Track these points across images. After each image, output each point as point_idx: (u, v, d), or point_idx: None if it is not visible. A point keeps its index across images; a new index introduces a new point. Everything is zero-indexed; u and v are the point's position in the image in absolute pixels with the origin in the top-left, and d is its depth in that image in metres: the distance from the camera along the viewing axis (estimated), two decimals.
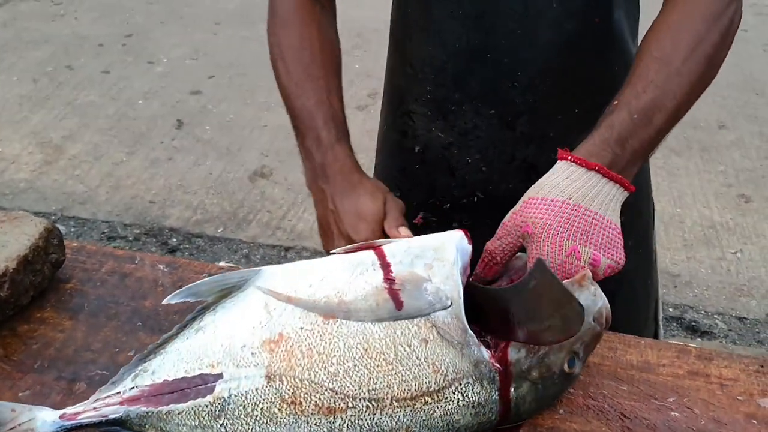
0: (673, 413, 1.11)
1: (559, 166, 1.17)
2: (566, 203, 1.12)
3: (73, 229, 3.67)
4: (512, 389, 1.03)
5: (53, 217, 3.72)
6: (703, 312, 3.39)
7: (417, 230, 1.29)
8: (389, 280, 1.03)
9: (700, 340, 3.23)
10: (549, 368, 1.04)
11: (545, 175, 1.18)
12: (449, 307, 1.02)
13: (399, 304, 1.01)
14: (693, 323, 3.31)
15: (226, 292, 1.06)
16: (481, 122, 1.41)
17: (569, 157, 1.15)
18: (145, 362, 1.03)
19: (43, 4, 5.96)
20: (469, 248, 1.10)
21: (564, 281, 1.05)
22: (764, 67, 5.31)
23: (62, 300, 1.26)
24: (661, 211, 3.90)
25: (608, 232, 1.14)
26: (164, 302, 1.08)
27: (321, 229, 1.32)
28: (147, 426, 0.99)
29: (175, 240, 3.65)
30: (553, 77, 1.37)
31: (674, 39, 1.23)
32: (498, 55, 1.36)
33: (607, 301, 1.07)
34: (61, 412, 1.00)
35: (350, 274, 1.04)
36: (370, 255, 1.07)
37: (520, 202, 1.17)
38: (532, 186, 1.18)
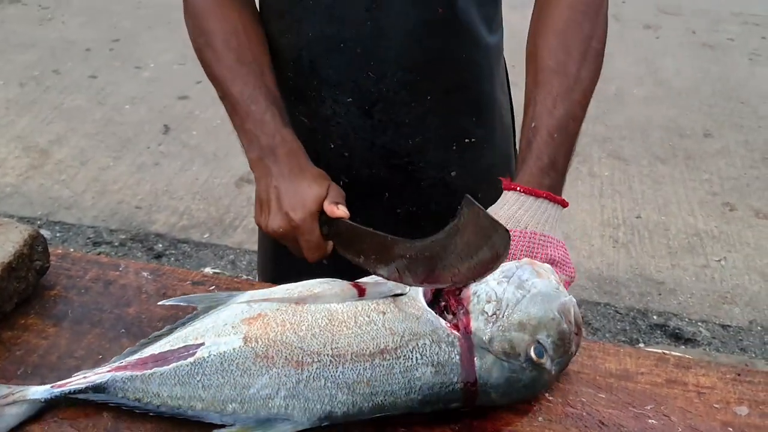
0: (650, 421, 1.12)
1: (510, 196, 1.25)
2: (524, 232, 1.22)
3: (58, 234, 3.66)
4: (475, 358, 1.07)
5: (38, 222, 3.71)
6: (687, 319, 3.41)
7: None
8: (355, 283, 1.17)
9: (683, 347, 3.25)
10: (512, 345, 1.07)
11: (497, 206, 1.25)
12: (408, 291, 1.13)
13: (362, 292, 1.14)
14: (677, 331, 3.33)
15: (215, 305, 1.18)
16: (339, 109, 1.45)
17: (518, 188, 1.24)
18: (135, 353, 1.13)
19: (31, 8, 5.95)
20: None
21: (515, 261, 1.14)
22: (749, 76, 5.35)
23: (46, 307, 1.26)
24: (646, 218, 3.93)
25: (560, 250, 1.24)
26: (159, 304, 1.20)
27: (258, 204, 1.35)
28: (129, 390, 1.08)
29: (161, 245, 3.65)
30: (404, 65, 1.40)
31: (565, 45, 1.31)
32: (351, 45, 1.39)
33: (575, 304, 1.12)
34: (52, 384, 1.09)
35: (322, 286, 1.17)
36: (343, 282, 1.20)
37: None
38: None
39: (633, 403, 1.15)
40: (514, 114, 1.64)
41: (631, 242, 3.79)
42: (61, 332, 1.22)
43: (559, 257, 1.22)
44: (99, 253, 3.41)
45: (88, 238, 3.68)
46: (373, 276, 1.17)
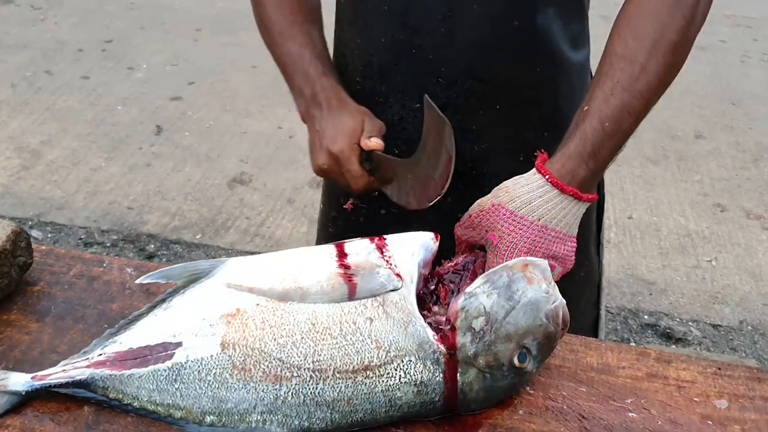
0: (630, 414, 1.13)
1: (536, 180, 1.21)
2: (535, 224, 1.18)
3: (50, 235, 3.66)
4: (458, 374, 1.06)
5: (30, 223, 3.71)
6: (678, 319, 3.41)
7: (347, 215, 1.40)
8: (344, 266, 1.09)
9: (674, 347, 3.26)
10: (497, 358, 1.07)
11: (519, 183, 1.22)
12: (399, 288, 1.08)
13: (352, 287, 1.07)
14: (668, 330, 3.34)
15: (195, 278, 1.14)
16: (407, 115, 1.45)
17: (547, 176, 1.19)
18: (115, 335, 1.11)
19: (23, 9, 5.94)
20: (433, 246, 1.15)
21: (505, 264, 1.11)
22: (741, 77, 5.36)
23: (29, 302, 1.27)
24: (637, 219, 3.94)
25: (567, 245, 1.21)
26: (137, 281, 1.18)
27: (310, 149, 1.40)
28: (110, 389, 1.07)
29: (152, 246, 3.65)
30: (475, 75, 1.40)
31: (635, 32, 1.24)
32: (422, 52, 1.40)
33: (564, 304, 1.10)
34: (33, 374, 1.08)
35: (308, 262, 1.11)
36: (330, 247, 1.13)
37: (488, 199, 1.22)
38: (505, 189, 1.22)
39: (613, 396, 1.16)
40: None
41: (622, 242, 3.80)
42: (44, 328, 1.22)
43: (562, 253, 1.21)
44: (82, 251, 3.41)
45: (80, 238, 3.68)
46: (362, 244, 1.14)
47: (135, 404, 1.07)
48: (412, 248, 1.13)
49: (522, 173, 1.30)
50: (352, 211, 1.55)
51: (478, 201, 1.24)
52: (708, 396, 1.17)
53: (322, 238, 1.72)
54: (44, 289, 1.29)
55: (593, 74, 1.46)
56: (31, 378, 1.08)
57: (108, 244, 3.65)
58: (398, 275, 1.09)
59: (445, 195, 1.45)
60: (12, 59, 5.20)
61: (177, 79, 5.05)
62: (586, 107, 1.22)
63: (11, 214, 3.69)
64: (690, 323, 3.39)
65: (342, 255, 1.11)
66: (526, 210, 1.19)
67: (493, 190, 1.24)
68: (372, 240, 1.14)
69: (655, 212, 4.01)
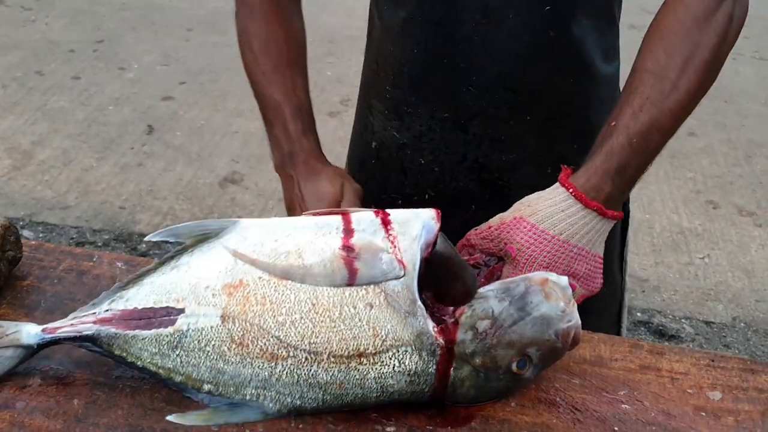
0: (623, 406, 1.12)
1: (559, 194, 1.20)
2: (556, 239, 1.17)
3: (41, 235, 3.65)
4: (452, 369, 1.06)
5: (21, 223, 3.70)
6: (670, 316, 3.41)
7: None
8: (347, 247, 1.07)
9: (667, 344, 3.26)
10: (495, 361, 1.06)
11: (542, 198, 1.21)
12: (402, 277, 1.05)
13: (353, 272, 1.05)
14: (661, 327, 3.34)
15: (204, 238, 1.12)
16: (435, 125, 1.43)
17: (570, 190, 1.18)
18: (123, 290, 1.12)
19: (13, 9, 5.92)
20: (435, 227, 1.10)
21: (526, 276, 1.09)
22: (733, 75, 5.37)
23: (18, 297, 1.26)
24: (630, 216, 3.93)
25: (590, 264, 1.20)
26: (146, 239, 1.17)
27: (288, 211, 1.40)
28: (114, 347, 1.09)
29: (144, 246, 3.64)
30: (507, 85, 1.38)
31: (668, 49, 1.22)
32: (455, 62, 1.38)
33: (579, 326, 1.09)
34: (43, 326, 1.10)
35: (314, 234, 1.09)
36: (336, 219, 1.11)
37: (510, 213, 1.21)
38: (527, 203, 1.21)
39: (606, 388, 1.15)
40: None
41: None
42: (33, 321, 1.20)
43: (584, 272, 1.19)
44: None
45: (71, 238, 3.66)
46: (367, 216, 1.11)
47: (138, 363, 1.08)
48: (415, 230, 1.09)
49: (549, 186, 1.28)
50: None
51: (500, 215, 1.24)
52: (701, 387, 1.17)
53: None
54: (33, 283, 1.29)
55: (621, 88, 1.45)
56: (42, 330, 1.10)
57: (100, 244, 3.63)
58: (401, 262, 1.06)
59: (470, 203, 1.46)
60: (2, 60, 5.18)
61: (168, 79, 5.04)
62: (613, 122, 1.20)
63: (2, 214, 3.67)
64: (683, 320, 3.40)
65: (348, 232, 1.09)
66: (547, 224, 1.18)
67: (514, 205, 1.23)
68: (377, 214, 1.11)
69: (647, 209, 4.01)
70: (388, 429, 1.07)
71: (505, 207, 1.41)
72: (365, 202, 1.47)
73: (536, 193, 1.23)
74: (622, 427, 1.09)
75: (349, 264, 1.06)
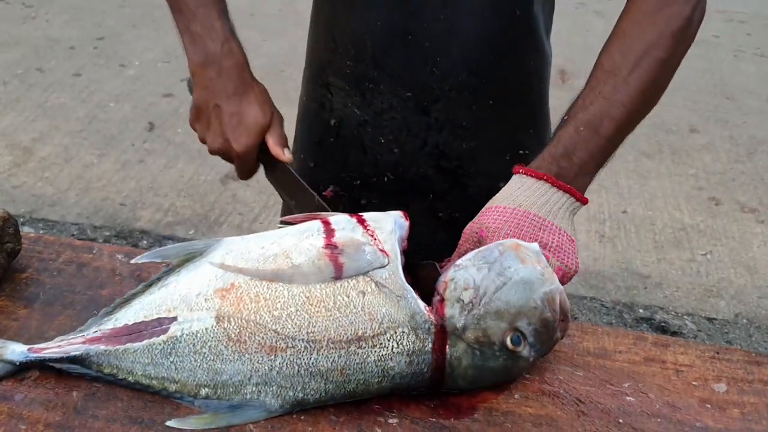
0: (627, 398, 1.12)
1: (513, 179, 1.23)
2: (516, 210, 1.18)
3: (42, 231, 3.63)
4: (447, 346, 1.06)
5: (22, 219, 3.68)
6: (673, 313, 3.40)
7: (327, 203, 1.37)
8: (331, 245, 1.09)
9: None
10: (487, 334, 1.06)
11: (502, 189, 1.23)
12: (387, 265, 1.08)
13: (339, 267, 1.07)
14: (663, 324, 3.33)
15: (190, 257, 1.14)
16: (397, 103, 1.42)
17: (521, 171, 1.22)
18: (111, 313, 1.13)
19: (14, 7, 5.91)
20: (406, 224, 1.15)
21: (498, 242, 1.11)
22: (735, 72, 5.36)
23: (17, 289, 1.25)
24: (632, 213, 3.93)
25: (558, 237, 1.19)
26: (133, 261, 1.20)
27: (196, 114, 1.34)
28: (104, 365, 1.08)
29: (145, 242, 3.63)
30: (471, 66, 1.38)
31: (623, 49, 1.25)
32: (419, 39, 1.37)
33: (562, 290, 1.09)
34: (29, 346, 1.10)
35: (297, 238, 1.12)
36: (316, 223, 1.14)
37: (478, 214, 1.22)
38: (491, 199, 1.23)
39: (610, 380, 1.15)
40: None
41: (617, 237, 3.79)
42: (32, 314, 1.20)
43: (554, 244, 1.18)
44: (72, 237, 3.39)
45: (72, 234, 3.65)
46: (344, 218, 1.15)
47: (129, 379, 1.07)
48: (389, 225, 1.13)
49: (508, 174, 1.31)
50: (331, 200, 1.52)
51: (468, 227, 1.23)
52: (706, 380, 1.16)
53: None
54: (33, 275, 1.28)
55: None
56: (27, 349, 1.09)
57: (100, 240, 3.62)
58: (383, 251, 1.09)
59: (428, 192, 1.47)
60: (3, 57, 5.17)
61: (169, 76, 5.02)
62: (565, 117, 1.24)
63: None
64: (685, 317, 3.39)
65: (329, 232, 1.12)
66: (507, 201, 1.19)
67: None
68: (351, 216, 1.15)
69: (649, 206, 4.00)
70: (390, 420, 1.06)
71: (462, 197, 1.46)
72: (322, 183, 1.51)
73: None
74: (626, 419, 1.08)
75: (335, 259, 1.08)
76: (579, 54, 5.18)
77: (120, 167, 4.15)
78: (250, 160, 1.32)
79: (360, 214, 1.15)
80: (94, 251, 1.33)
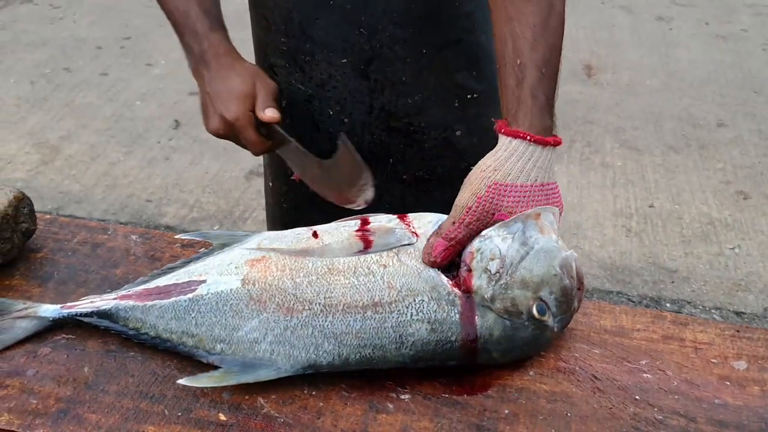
0: (645, 375, 1.10)
1: (516, 145, 1.15)
2: (534, 186, 1.14)
3: None
4: (477, 317, 1.06)
5: (48, 216, 3.70)
6: (701, 307, 3.36)
7: (295, 186, 1.42)
8: (363, 229, 1.14)
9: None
10: (515, 303, 1.06)
11: (502, 157, 1.15)
12: (414, 243, 1.10)
13: (368, 243, 1.11)
14: None
15: (230, 242, 1.20)
16: (335, 72, 1.41)
17: (528, 137, 1.14)
18: (145, 281, 1.17)
19: (42, 7, 5.97)
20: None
21: (522, 213, 1.10)
22: (763, 66, 5.29)
23: (32, 269, 1.25)
24: (659, 207, 3.89)
25: (556, 193, 1.17)
26: (177, 236, 1.26)
27: (202, 110, 1.36)
28: (130, 319, 1.11)
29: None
30: (395, 18, 1.36)
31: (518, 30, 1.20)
32: (340, 1, 1.36)
33: (576, 257, 1.08)
34: (61, 304, 1.15)
35: (333, 227, 1.17)
36: (354, 219, 1.18)
37: (478, 184, 1.14)
38: (491, 167, 1.15)
39: (627, 358, 1.13)
40: None
41: (644, 231, 3.75)
42: (46, 292, 1.20)
43: (553, 201, 1.16)
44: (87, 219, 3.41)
45: None
46: (385, 217, 1.17)
47: (151, 333, 1.10)
48: (430, 217, 1.16)
49: (461, 120, 1.33)
50: (301, 183, 1.48)
51: (466, 192, 1.15)
52: (726, 357, 1.14)
53: (277, 216, 1.70)
54: (47, 255, 1.28)
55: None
56: (60, 307, 1.13)
57: None
58: (414, 233, 1.11)
59: (388, 157, 1.47)
60: (31, 57, 5.21)
61: None
62: (519, 61, 1.18)
63: None
64: (713, 311, 3.34)
65: (364, 221, 1.16)
66: (522, 178, 1.14)
67: (475, 172, 1.16)
68: (395, 215, 1.18)
69: (677, 200, 3.95)
70: (402, 396, 1.05)
71: (420, 154, 1.44)
72: (288, 167, 1.49)
73: (489, 154, 1.17)
74: (643, 395, 1.06)
75: (365, 238, 1.12)
76: (605, 49, 5.15)
77: (146, 164, 4.17)
78: (247, 126, 1.30)
79: (406, 215, 1.18)
80: (109, 232, 1.33)
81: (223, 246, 1.19)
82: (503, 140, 1.16)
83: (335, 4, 1.36)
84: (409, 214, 1.18)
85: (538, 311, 1.06)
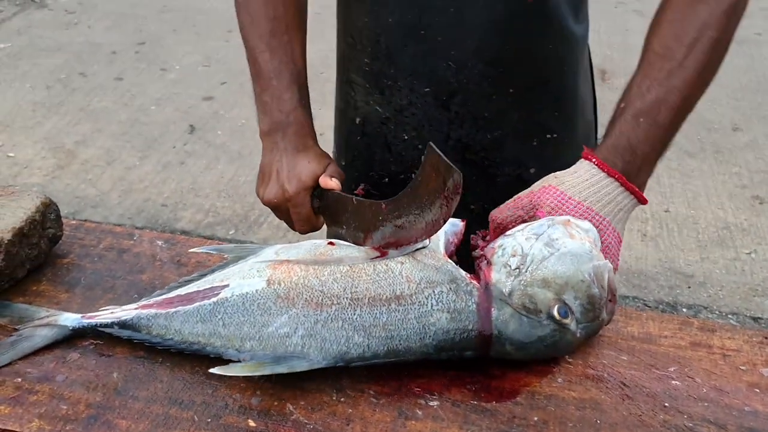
0: (673, 382, 1.10)
1: (583, 166, 1.20)
2: (581, 204, 1.16)
3: None
4: (493, 308, 1.07)
5: (73, 222, 3.71)
6: (717, 312, 3.35)
7: None
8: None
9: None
10: (533, 301, 1.06)
11: (568, 172, 1.20)
12: (427, 245, 1.13)
13: (384, 253, 1.15)
14: None
15: (244, 255, 1.21)
16: (416, 99, 1.40)
17: (594, 160, 1.18)
18: (165, 292, 1.17)
19: (57, 13, 6.00)
20: (460, 225, 1.20)
21: (549, 217, 1.13)
22: None
23: (59, 274, 1.26)
24: (674, 212, 3.88)
25: (609, 236, 1.17)
26: (191, 251, 1.28)
27: (260, 175, 1.37)
28: (153, 326, 1.12)
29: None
30: (486, 57, 1.35)
31: (676, 31, 1.21)
32: (431, 33, 1.35)
33: (611, 268, 1.08)
34: (82, 314, 1.15)
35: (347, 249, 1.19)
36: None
37: (538, 185, 1.21)
38: (553, 176, 1.21)
39: (656, 365, 1.13)
40: (597, 109, 1.57)
41: (659, 236, 3.74)
42: (73, 298, 1.21)
43: (606, 242, 1.16)
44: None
45: None
46: None
47: (176, 338, 1.11)
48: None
49: (537, 159, 1.33)
50: (362, 198, 1.50)
51: (526, 190, 1.22)
52: (755, 364, 1.14)
53: None
54: (74, 261, 1.29)
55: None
56: (81, 316, 1.14)
57: None
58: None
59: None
60: (47, 62, 5.24)
61: (209, 80, 5.06)
62: (622, 104, 1.21)
63: None
64: (729, 316, 3.33)
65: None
66: (574, 191, 1.17)
67: (541, 179, 1.22)
68: None
69: (692, 205, 3.94)
70: (431, 403, 1.05)
71: (491, 188, 1.43)
72: (353, 182, 1.50)
73: (562, 171, 1.22)
74: (672, 402, 1.06)
75: (380, 250, 1.16)
76: (619, 53, 5.13)
77: (161, 169, 4.18)
78: (303, 202, 1.31)
79: None
80: (135, 237, 1.34)
81: (238, 259, 1.20)
82: (579, 160, 1.21)
83: (426, 35, 1.35)
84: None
85: (560, 313, 1.06)
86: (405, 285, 1.09)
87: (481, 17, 1.33)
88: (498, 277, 1.08)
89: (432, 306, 1.08)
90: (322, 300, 1.08)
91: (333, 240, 1.20)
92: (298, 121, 1.35)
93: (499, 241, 1.11)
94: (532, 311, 1.06)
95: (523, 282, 1.06)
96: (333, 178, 1.30)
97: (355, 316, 1.07)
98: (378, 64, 1.42)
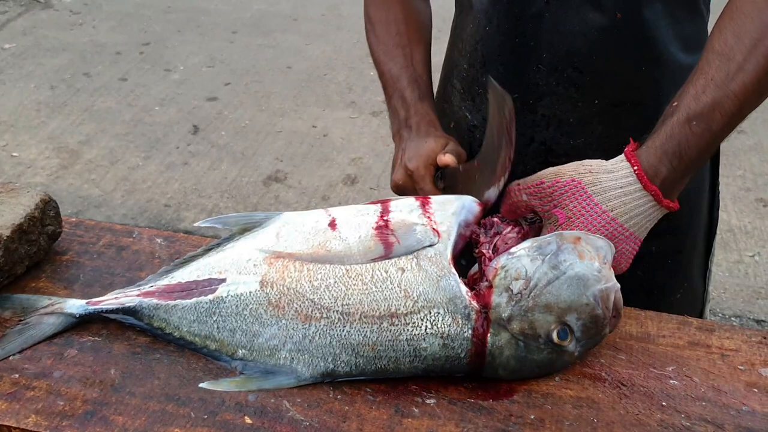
0: (671, 381, 1.09)
1: (622, 168, 1.15)
2: (606, 214, 1.14)
3: None
4: (489, 335, 1.04)
5: (73, 219, 3.72)
6: (720, 314, 3.35)
7: None
8: (382, 225, 1.12)
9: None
10: (533, 327, 1.04)
11: (605, 168, 1.16)
12: (435, 244, 1.09)
13: (389, 246, 1.10)
14: None
15: (249, 227, 1.20)
16: None
17: (635, 168, 1.13)
18: (169, 272, 1.18)
19: (62, 13, 6.01)
20: (476, 209, 1.17)
21: (558, 233, 1.11)
22: None
23: (58, 271, 1.26)
24: (718, 224, 3.87)
25: (628, 245, 1.16)
26: (195, 224, 1.30)
27: (392, 166, 1.42)
28: (154, 318, 1.12)
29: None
30: (575, 64, 1.36)
31: (737, 30, 1.16)
32: (525, 40, 1.38)
33: (618, 288, 1.07)
34: (87, 300, 1.16)
35: (353, 215, 1.16)
36: (376, 205, 1.18)
37: (568, 171, 1.16)
38: (588, 168, 1.16)
39: (654, 364, 1.12)
40: None
41: None
42: (72, 295, 1.21)
43: (623, 249, 1.15)
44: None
45: None
46: (406, 204, 1.17)
47: (175, 334, 1.11)
48: (454, 207, 1.15)
49: None
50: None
51: (555, 169, 1.18)
52: (753, 364, 1.13)
53: None
54: (73, 258, 1.29)
55: None
56: (86, 303, 1.14)
57: None
58: (436, 231, 1.10)
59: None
60: (51, 62, 5.25)
61: (213, 80, 5.07)
62: (675, 103, 1.16)
63: None
64: (733, 318, 3.33)
65: (385, 211, 1.15)
66: (602, 198, 1.14)
67: (575, 163, 1.18)
68: (417, 198, 1.18)
69: None
70: (428, 401, 1.05)
71: None
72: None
73: (601, 160, 1.18)
74: (670, 402, 1.06)
75: (385, 239, 1.11)
76: None
77: (165, 169, 4.19)
78: (424, 177, 1.33)
79: (428, 196, 1.19)
80: (134, 235, 1.34)
81: (244, 231, 1.20)
82: (620, 157, 1.17)
83: (520, 42, 1.38)
84: (432, 201, 1.17)
85: (559, 336, 1.04)
86: (401, 302, 1.05)
87: (573, 26, 1.34)
88: (498, 300, 1.05)
89: (426, 329, 1.04)
90: (311, 311, 1.06)
91: (336, 217, 1.16)
92: (419, 113, 1.41)
93: (503, 261, 1.07)
94: (530, 336, 1.04)
95: (524, 308, 1.04)
96: (447, 154, 1.32)
97: (343, 333, 1.05)
98: (473, 71, 1.47)
